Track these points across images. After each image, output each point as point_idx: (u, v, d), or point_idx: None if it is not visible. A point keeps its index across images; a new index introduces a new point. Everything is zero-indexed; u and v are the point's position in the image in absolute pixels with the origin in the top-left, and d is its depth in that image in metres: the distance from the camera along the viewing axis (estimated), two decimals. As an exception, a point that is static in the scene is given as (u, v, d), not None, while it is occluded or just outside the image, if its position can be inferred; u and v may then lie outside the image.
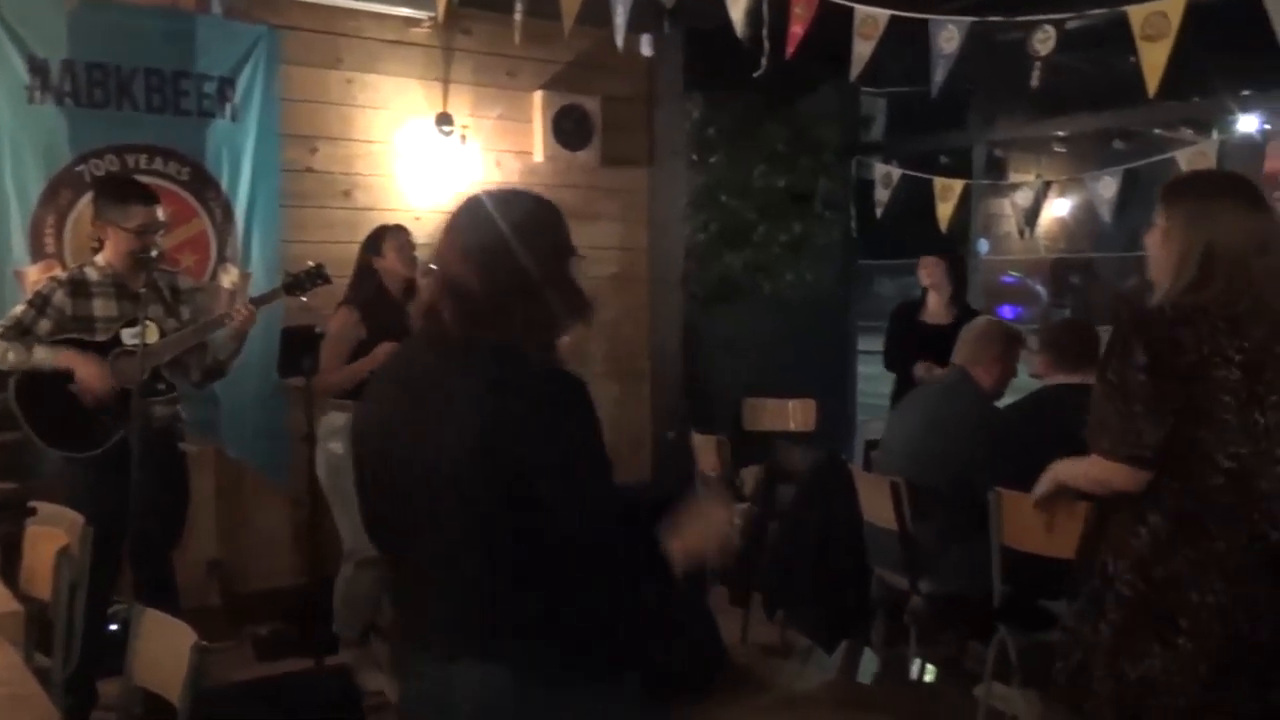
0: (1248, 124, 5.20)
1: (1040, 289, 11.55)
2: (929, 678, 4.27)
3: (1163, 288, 2.30)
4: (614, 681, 1.81)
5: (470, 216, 1.81)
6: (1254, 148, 5.24)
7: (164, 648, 2.20)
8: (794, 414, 6.16)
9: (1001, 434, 3.74)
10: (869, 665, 4.55)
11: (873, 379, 7.15)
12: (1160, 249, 2.32)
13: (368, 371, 4.03)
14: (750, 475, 5.30)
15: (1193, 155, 5.18)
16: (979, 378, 4.04)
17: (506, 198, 1.85)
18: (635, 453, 5.93)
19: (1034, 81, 3.94)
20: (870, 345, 6.89)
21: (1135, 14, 3.58)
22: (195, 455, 4.12)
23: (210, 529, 4.63)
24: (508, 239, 1.74)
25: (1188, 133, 5.40)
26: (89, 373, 3.51)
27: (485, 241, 1.75)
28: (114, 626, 3.71)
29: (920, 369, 5.28)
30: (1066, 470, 2.59)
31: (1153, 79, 3.58)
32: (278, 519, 4.97)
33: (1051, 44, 3.89)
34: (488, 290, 1.72)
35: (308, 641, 4.28)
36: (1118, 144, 6.20)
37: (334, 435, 4.14)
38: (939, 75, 4.27)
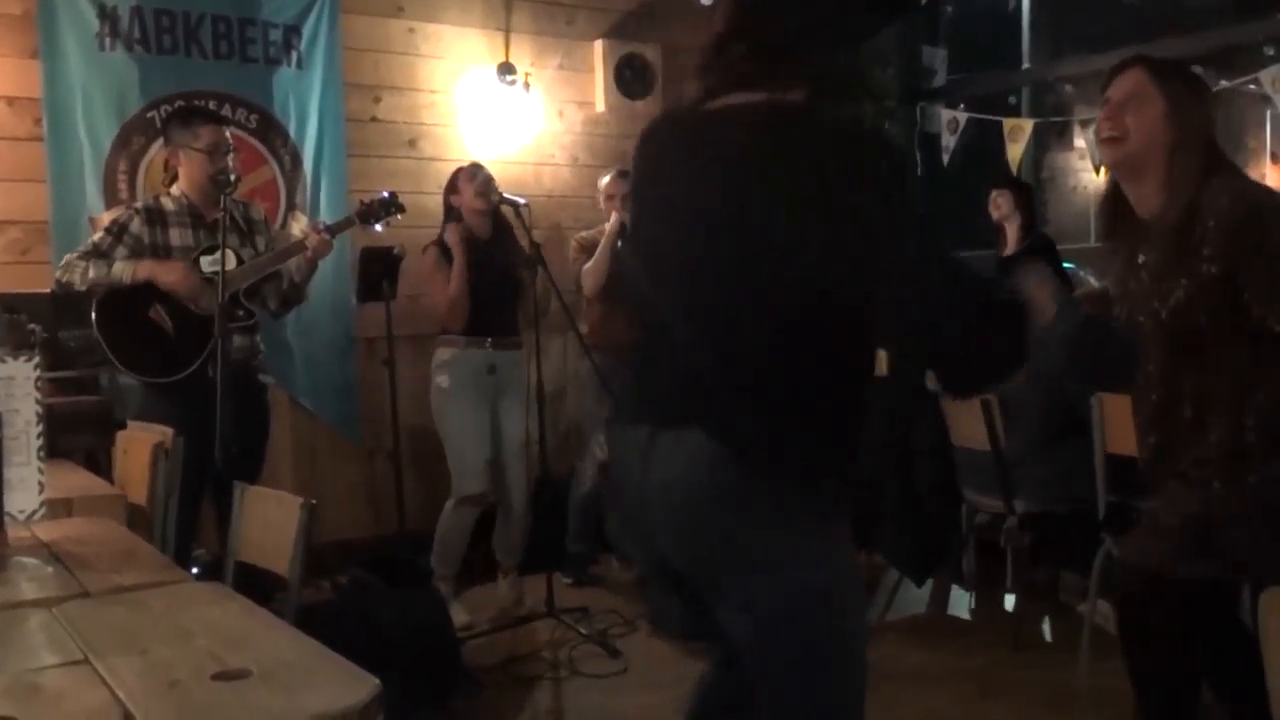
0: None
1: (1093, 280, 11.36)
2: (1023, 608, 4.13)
3: (1162, 166, 2.26)
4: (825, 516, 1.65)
5: None
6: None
7: (268, 519, 2.14)
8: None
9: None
10: (960, 601, 4.42)
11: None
12: (1166, 125, 2.26)
13: (464, 266, 4.07)
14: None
15: (1278, 73, 4.99)
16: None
17: None
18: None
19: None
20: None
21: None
22: (273, 396, 4.08)
23: (288, 478, 4.60)
24: None
25: (1270, 51, 5.20)
26: (173, 276, 3.49)
27: None
28: (195, 570, 3.67)
29: None
30: None
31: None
32: (353, 470, 4.93)
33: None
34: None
35: (395, 583, 4.21)
36: (1195, 69, 6.00)
37: (441, 369, 4.19)
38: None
